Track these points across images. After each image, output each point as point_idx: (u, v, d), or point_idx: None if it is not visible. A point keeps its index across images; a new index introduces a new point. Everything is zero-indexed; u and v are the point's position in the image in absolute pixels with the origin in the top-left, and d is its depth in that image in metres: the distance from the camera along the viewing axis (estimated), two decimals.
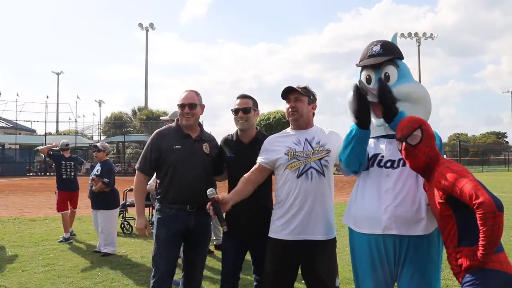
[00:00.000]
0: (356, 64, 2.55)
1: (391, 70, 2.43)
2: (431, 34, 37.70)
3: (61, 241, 6.89)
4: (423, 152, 2.14)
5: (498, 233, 1.84)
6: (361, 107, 2.33)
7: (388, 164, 2.38)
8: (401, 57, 2.50)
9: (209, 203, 2.55)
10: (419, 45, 37.12)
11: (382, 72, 2.44)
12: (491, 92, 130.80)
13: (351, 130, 2.42)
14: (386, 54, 2.44)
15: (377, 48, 2.47)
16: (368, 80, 2.49)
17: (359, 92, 2.32)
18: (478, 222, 1.84)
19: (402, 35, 37.17)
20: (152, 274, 3.05)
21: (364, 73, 2.52)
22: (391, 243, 2.31)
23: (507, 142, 66.44)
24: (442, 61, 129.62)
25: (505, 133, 71.30)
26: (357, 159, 2.43)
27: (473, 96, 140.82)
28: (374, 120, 2.44)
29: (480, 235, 1.86)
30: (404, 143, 2.17)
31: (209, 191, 2.56)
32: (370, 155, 2.45)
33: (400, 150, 2.21)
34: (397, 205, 2.29)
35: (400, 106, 2.38)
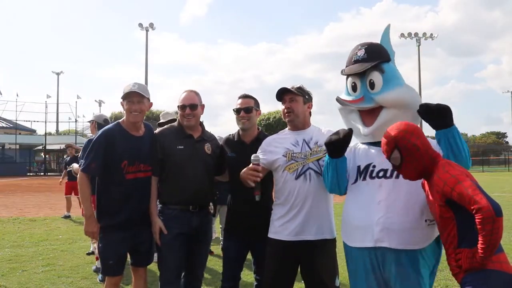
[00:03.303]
0: (341, 72, 2.52)
1: (375, 77, 2.38)
2: (431, 34, 37.58)
3: (63, 217, 9.47)
4: (409, 168, 2.11)
5: (497, 237, 1.84)
6: (338, 142, 2.36)
7: (381, 174, 2.33)
8: (388, 59, 2.44)
9: (253, 166, 2.61)
10: (419, 45, 37.01)
11: (367, 79, 2.41)
12: (492, 92, 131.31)
13: (325, 159, 2.48)
14: (370, 59, 2.39)
15: (361, 52, 2.43)
16: (354, 88, 2.46)
17: (346, 137, 2.36)
18: (477, 226, 1.84)
19: (402, 35, 37.04)
20: (160, 276, 3.04)
21: (349, 80, 2.50)
22: (382, 256, 2.28)
23: (507, 142, 66.47)
24: (442, 61, 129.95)
25: (505, 133, 71.42)
26: (336, 184, 2.46)
27: (474, 96, 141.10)
28: (361, 129, 2.44)
29: (479, 239, 1.85)
30: (391, 164, 2.17)
31: (255, 156, 2.65)
32: (362, 167, 2.41)
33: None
34: (389, 217, 2.24)
35: (387, 113, 2.36)
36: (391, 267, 2.26)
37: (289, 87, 2.75)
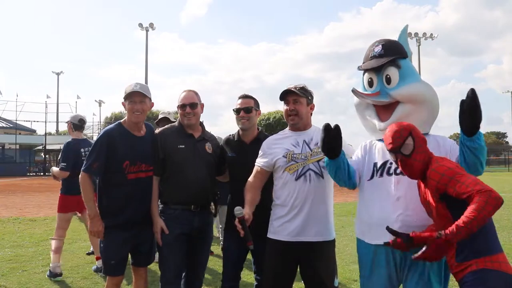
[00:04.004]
0: (358, 68, 2.52)
1: (392, 72, 2.39)
2: (431, 34, 37.48)
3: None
4: (418, 160, 2.09)
5: (485, 220, 1.82)
6: (329, 142, 2.29)
7: (398, 171, 2.32)
8: (405, 56, 2.45)
9: (237, 221, 2.54)
10: (419, 45, 36.92)
11: (383, 74, 2.41)
12: (492, 92, 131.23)
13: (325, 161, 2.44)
14: (387, 55, 2.39)
15: (378, 48, 2.43)
16: (370, 83, 2.46)
17: (328, 132, 2.28)
18: (476, 203, 1.81)
19: None
20: (160, 276, 3.04)
21: (366, 76, 2.50)
22: (399, 252, 2.27)
23: (507, 142, 66.51)
24: (443, 61, 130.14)
25: (505, 133, 71.49)
26: (339, 179, 2.44)
27: None
28: (377, 124, 2.43)
29: (470, 211, 1.81)
30: (398, 155, 2.12)
31: (237, 209, 2.56)
32: (378, 164, 2.40)
33: (395, 161, 2.17)
34: (408, 214, 2.24)
35: (403, 108, 2.35)
36: (406, 261, 2.27)
37: (292, 87, 2.74)
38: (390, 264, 2.32)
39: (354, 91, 2.46)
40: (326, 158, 2.40)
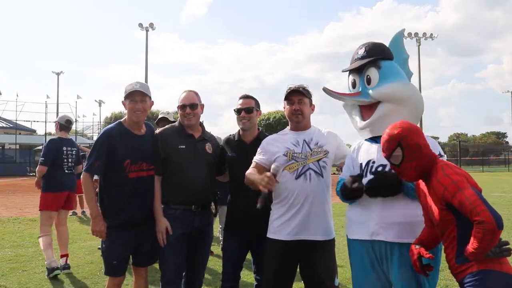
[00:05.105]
0: (342, 70, 2.58)
1: (372, 73, 2.44)
2: (431, 34, 37.38)
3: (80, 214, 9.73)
4: (409, 168, 2.08)
5: (493, 245, 1.85)
6: (351, 196, 2.38)
7: (380, 169, 2.36)
8: (389, 57, 2.48)
9: (271, 174, 2.53)
10: (419, 45, 36.88)
11: (364, 75, 2.47)
12: (492, 92, 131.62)
13: (337, 190, 2.47)
14: (368, 57, 2.44)
15: (361, 51, 2.49)
16: (354, 84, 2.53)
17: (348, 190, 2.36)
18: (476, 235, 1.83)
19: (402, 35, 37.05)
20: (161, 276, 3.05)
21: (350, 78, 2.57)
22: (378, 249, 2.31)
23: (507, 142, 66.58)
24: (443, 61, 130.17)
25: (505, 133, 71.62)
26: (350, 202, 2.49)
27: (474, 96, 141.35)
28: (358, 123, 2.47)
29: (474, 243, 1.85)
30: (390, 163, 2.15)
31: (276, 166, 2.58)
32: (363, 164, 2.44)
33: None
34: (385, 211, 2.27)
35: (384, 107, 2.39)
36: (388, 261, 2.29)
37: (298, 87, 2.76)
38: (372, 260, 2.34)
39: (326, 90, 2.47)
40: (340, 195, 2.46)
